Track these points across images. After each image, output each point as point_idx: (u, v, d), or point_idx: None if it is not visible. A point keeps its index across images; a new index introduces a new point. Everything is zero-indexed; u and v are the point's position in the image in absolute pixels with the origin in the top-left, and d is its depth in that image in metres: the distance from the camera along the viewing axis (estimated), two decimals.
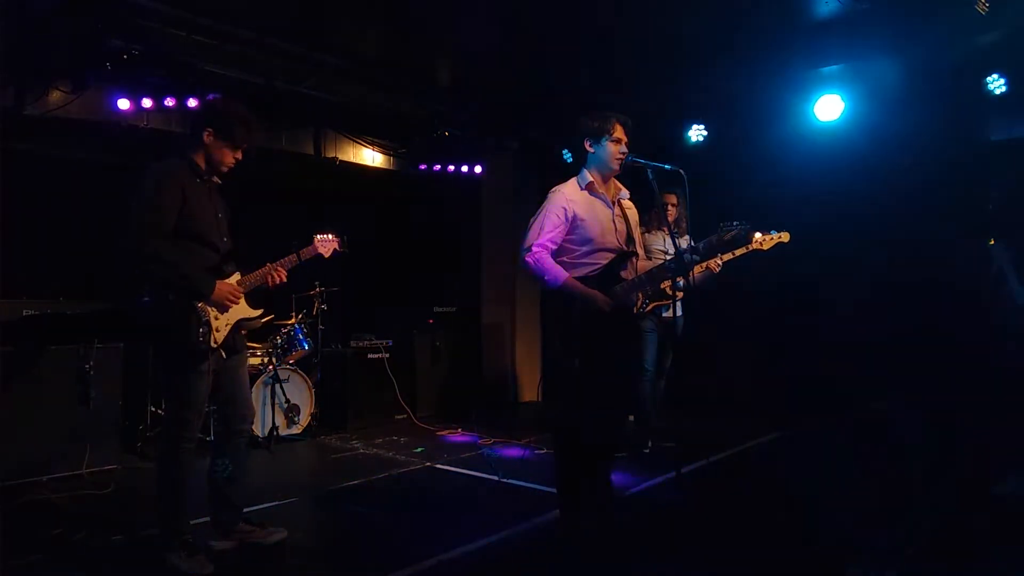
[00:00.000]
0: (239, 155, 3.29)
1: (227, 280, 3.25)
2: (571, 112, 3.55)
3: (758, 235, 3.92)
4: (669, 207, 4.97)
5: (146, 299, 3.11)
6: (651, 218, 4.99)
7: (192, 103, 5.54)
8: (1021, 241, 5.41)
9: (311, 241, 3.54)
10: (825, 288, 6.09)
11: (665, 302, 4.14)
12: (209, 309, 3.15)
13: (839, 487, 4.30)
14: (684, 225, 5.08)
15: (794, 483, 4.49)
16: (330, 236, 3.58)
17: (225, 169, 3.28)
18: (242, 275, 3.35)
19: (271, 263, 3.40)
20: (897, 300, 5.73)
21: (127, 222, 3.02)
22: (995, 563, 3.15)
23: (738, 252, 3.98)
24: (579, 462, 3.39)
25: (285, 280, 3.41)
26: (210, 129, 3.20)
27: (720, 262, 4.05)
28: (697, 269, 4.14)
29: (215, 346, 3.17)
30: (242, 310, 3.33)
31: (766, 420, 5.95)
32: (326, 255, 3.59)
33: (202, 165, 3.24)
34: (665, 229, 5.11)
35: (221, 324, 3.22)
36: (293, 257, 3.46)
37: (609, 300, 3.25)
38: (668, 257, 4.67)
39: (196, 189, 3.17)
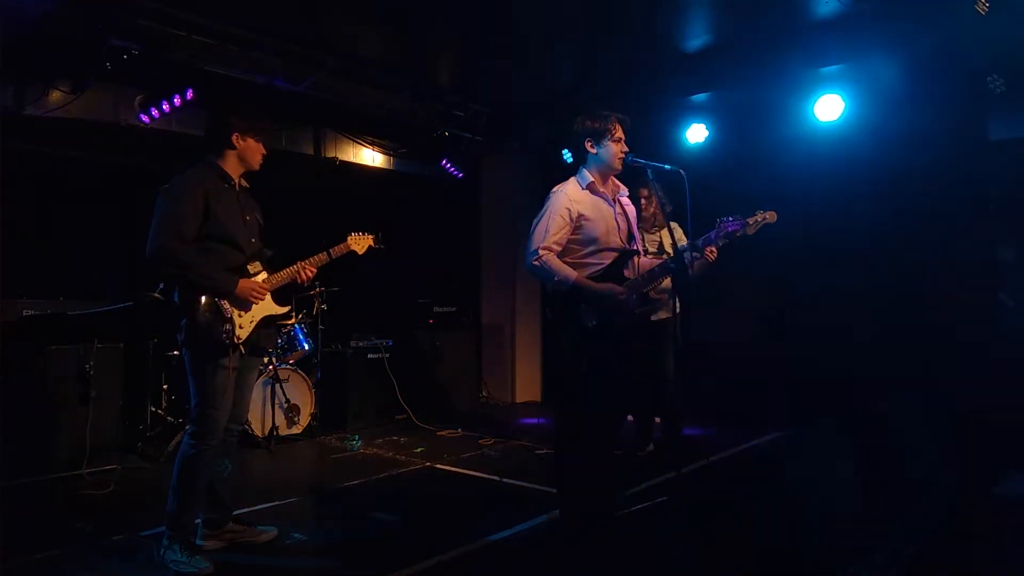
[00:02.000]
0: (263, 148, 3.40)
1: (253, 278, 3.31)
2: (571, 112, 3.55)
3: (747, 218, 3.61)
4: (641, 200, 4.80)
5: (173, 298, 3.19)
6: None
7: (177, 101, 5.52)
8: (1020, 241, 5.42)
9: (344, 239, 3.70)
10: (825, 287, 6.08)
11: (649, 307, 4.07)
12: (231, 307, 3.21)
13: (839, 487, 4.30)
14: (661, 219, 4.88)
15: (794, 483, 4.48)
16: (364, 234, 3.76)
17: (258, 165, 3.39)
18: (268, 274, 3.41)
19: (300, 261, 3.49)
20: (897, 299, 5.73)
21: (150, 229, 3.11)
22: (995, 563, 3.15)
23: (721, 243, 3.83)
24: (580, 462, 3.40)
25: (312, 277, 3.52)
26: (236, 132, 3.29)
27: (715, 250, 3.93)
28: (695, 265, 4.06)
29: (238, 342, 3.22)
30: (267, 307, 3.38)
31: (766, 420, 5.95)
32: (360, 252, 3.74)
33: (230, 170, 3.32)
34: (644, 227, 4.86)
35: (245, 321, 3.27)
36: (323, 255, 3.58)
37: (624, 290, 3.25)
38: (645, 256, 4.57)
39: (222, 193, 3.26)
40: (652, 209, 4.89)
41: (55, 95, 5.39)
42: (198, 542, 3.29)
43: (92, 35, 4.88)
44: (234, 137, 3.29)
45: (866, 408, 5.67)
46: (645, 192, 4.84)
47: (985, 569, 3.11)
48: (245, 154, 3.33)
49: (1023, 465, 4.41)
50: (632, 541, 3.45)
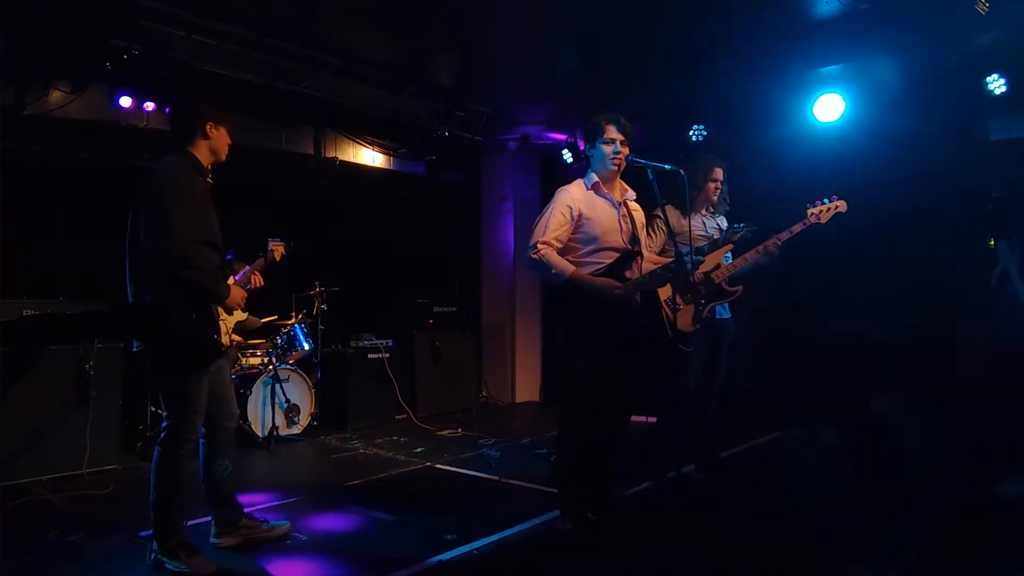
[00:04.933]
0: (229, 139, 3.36)
1: (227, 282, 3.31)
2: (571, 112, 3.58)
3: (811, 208, 3.77)
4: (718, 184, 4.36)
5: (155, 299, 3.06)
6: (695, 201, 4.35)
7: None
8: (1022, 242, 5.42)
9: (267, 246, 3.93)
10: (825, 287, 6.08)
11: (723, 300, 4.11)
12: (219, 312, 3.20)
13: (839, 487, 4.30)
14: (724, 205, 4.50)
15: (794, 483, 4.48)
16: (279, 239, 3.98)
17: (225, 156, 3.33)
18: (233, 278, 3.44)
19: (250, 267, 3.67)
20: (897, 299, 5.73)
21: (153, 225, 2.96)
22: (995, 563, 3.15)
23: (796, 229, 3.83)
24: (581, 462, 3.40)
25: (262, 284, 3.68)
26: (210, 122, 3.22)
27: (780, 242, 3.93)
28: (752, 254, 4.04)
29: (225, 348, 3.21)
30: (238, 311, 3.41)
31: (766, 420, 5.95)
32: (277, 259, 3.95)
33: (204, 162, 3.24)
34: (704, 211, 4.44)
35: (227, 326, 3.27)
36: (262, 260, 3.81)
37: (620, 286, 3.26)
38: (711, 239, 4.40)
39: (203, 191, 3.18)
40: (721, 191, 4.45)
41: (55, 95, 5.40)
42: (212, 540, 3.31)
43: (92, 35, 4.88)
44: (208, 126, 3.21)
45: (866, 408, 5.68)
46: (721, 174, 4.42)
47: (985, 569, 3.11)
48: (216, 144, 3.25)
49: (1023, 465, 4.41)
50: (632, 541, 3.45)
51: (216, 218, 3.24)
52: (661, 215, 4.06)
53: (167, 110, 5.61)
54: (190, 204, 3.03)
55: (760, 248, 3.98)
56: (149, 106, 5.69)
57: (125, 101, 5.58)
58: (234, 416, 3.47)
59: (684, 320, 4.08)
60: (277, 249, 3.94)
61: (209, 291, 3.09)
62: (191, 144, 3.21)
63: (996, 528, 3.54)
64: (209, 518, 3.40)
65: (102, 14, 4.80)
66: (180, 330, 3.05)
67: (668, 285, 3.96)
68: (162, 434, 3.12)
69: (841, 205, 3.81)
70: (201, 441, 3.34)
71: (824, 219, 3.79)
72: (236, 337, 3.65)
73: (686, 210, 4.20)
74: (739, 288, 4.15)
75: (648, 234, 4.03)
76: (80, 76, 5.39)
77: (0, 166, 4.53)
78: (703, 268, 4.10)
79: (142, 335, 3.14)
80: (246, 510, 3.51)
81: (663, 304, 4.02)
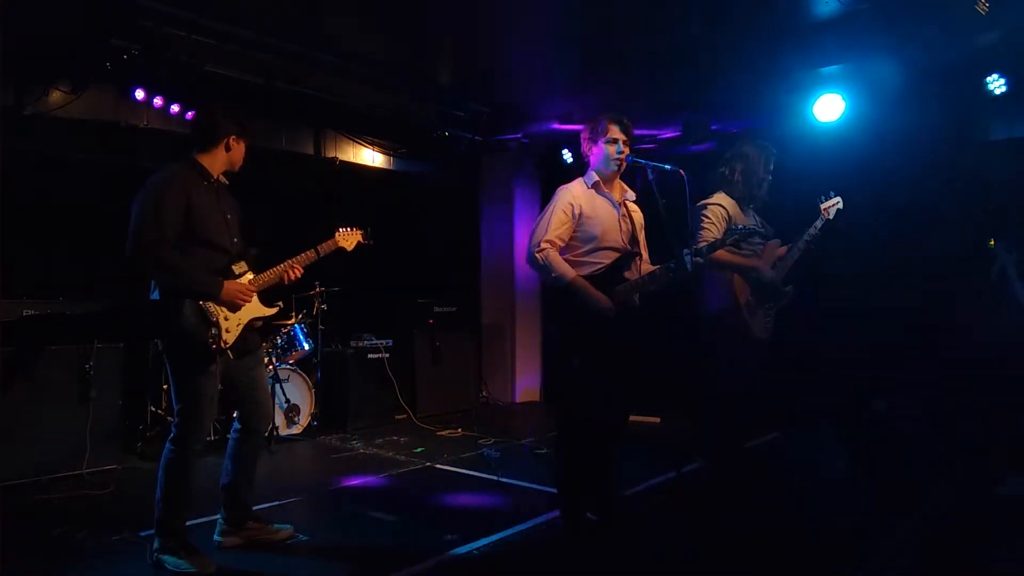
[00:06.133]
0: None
1: (238, 280, 3.25)
2: (570, 112, 3.59)
3: (823, 204, 3.96)
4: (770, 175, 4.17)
5: (154, 299, 3.12)
6: (742, 196, 4.09)
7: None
8: (1021, 241, 5.42)
9: (332, 235, 3.59)
10: (825, 286, 6.08)
11: (780, 302, 4.04)
12: (218, 310, 3.15)
13: (839, 488, 4.30)
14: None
15: (794, 483, 4.48)
16: (352, 229, 3.64)
17: (239, 166, 3.36)
18: (255, 274, 3.35)
19: (288, 260, 3.41)
20: (897, 299, 5.73)
21: (127, 233, 3.03)
22: (995, 563, 3.15)
23: (819, 225, 3.90)
24: (580, 462, 3.40)
25: (300, 276, 3.44)
26: (233, 136, 3.27)
27: (810, 238, 3.94)
28: (795, 252, 4.02)
29: (224, 347, 3.17)
30: (255, 309, 3.32)
31: (766, 420, 5.94)
32: (349, 248, 3.64)
33: (211, 168, 3.26)
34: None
35: (232, 324, 3.21)
36: (311, 253, 3.48)
37: (612, 306, 3.26)
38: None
39: (202, 193, 3.18)
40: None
41: (55, 95, 5.39)
42: (216, 538, 3.32)
43: (92, 35, 4.87)
44: (230, 140, 3.27)
45: (866, 408, 5.68)
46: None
47: (985, 569, 3.11)
48: (234, 156, 3.32)
49: (1023, 465, 4.41)
50: (632, 541, 3.45)
51: (226, 218, 3.27)
52: (723, 205, 3.94)
53: (188, 116, 5.65)
54: (166, 208, 3.04)
55: (801, 245, 3.94)
56: (157, 102, 5.70)
57: (139, 94, 5.61)
58: (267, 418, 3.47)
59: (759, 326, 3.91)
60: (350, 237, 3.60)
61: (185, 290, 3.08)
62: (205, 152, 3.25)
63: (996, 528, 3.54)
64: (210, 518, 3.40)
65: (102, 14, 4.80)
66: (163, 328, 3.09)
67: (747, 287, 3.84)
68: (171, 432, 3.16)
69: (839, 202, 3.97)
70: (232, 438, 3.37)
71: (831, 215, 3.92)
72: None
73: (744, 201, 4.05)
74: (790, 289, 4.04)
75: (704, 224, 3.78)
76: (80, 76, 5.38)
77: (0, 166, 4.53)
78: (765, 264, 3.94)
79: (138, 333, 3.16)
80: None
81: (743, 307, 3.84)
